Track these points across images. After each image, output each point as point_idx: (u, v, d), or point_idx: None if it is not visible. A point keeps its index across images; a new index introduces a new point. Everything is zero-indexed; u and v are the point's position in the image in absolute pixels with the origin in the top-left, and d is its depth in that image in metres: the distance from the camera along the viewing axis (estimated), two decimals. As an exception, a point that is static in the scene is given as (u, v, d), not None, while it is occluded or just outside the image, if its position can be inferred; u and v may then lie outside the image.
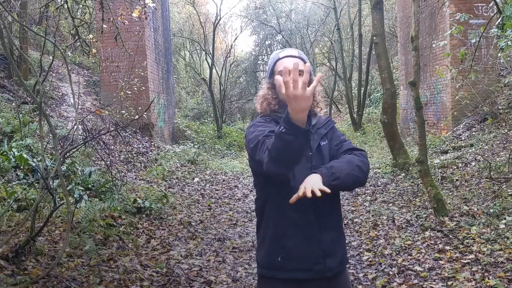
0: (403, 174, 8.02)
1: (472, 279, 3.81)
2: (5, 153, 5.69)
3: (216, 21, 18.76)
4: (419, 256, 4.49)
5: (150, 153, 9.93)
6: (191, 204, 7.24)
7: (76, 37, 9.07)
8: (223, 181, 9.69)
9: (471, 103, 9.11)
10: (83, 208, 4.87)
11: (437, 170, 7.29)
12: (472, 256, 4.25)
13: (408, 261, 4.42)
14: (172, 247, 5.09)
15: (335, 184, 1.76)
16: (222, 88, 19.82)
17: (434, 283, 3.88)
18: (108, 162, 7.13)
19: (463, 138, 8.75)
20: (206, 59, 21.53)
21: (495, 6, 5.96)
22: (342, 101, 22.50)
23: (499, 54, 7.88)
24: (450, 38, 8.95)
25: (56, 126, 7.34)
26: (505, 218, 4.89)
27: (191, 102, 22.54)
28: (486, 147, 7.57)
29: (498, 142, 7.54)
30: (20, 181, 5.35)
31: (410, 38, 6.18)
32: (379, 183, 8.07)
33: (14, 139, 6.42)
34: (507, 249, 4.23)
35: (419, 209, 5.99)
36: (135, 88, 9.90)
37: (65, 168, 5.84)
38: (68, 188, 5.06)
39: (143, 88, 10.44)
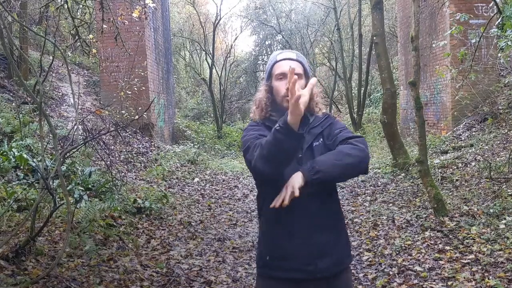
0: (403, 174, 8.03)
1: (472, 279, 3.81)
2: (5, 153, 5.69)
3: (216, 21, 18.76)
4: (419, 256, 4.49)
5: (150, 153, 9.93)
6: (191, 204, 7.24)
7: (76, 37, 9.07)
8: (223, 181, 9.69)
9: (471, 103, 9.11)
10: (83, 208, 4.87)
11: (437, 170, 7.29)
12: (472, 256, 4.25)
13: (408, 261, 4.41)
14: (172, 247, 5.09)
15: (317, 178, 1.72)
16: (222, 88, 19.82)
17: (434, 283, 3.88)
18: (108, 162, 7.13)
19: (463, 138, 8.75)
20: (206, 59, 21.53)
21: (495, 6, 5.95)
22: (342, 101, 22.49)
23: (499, 54, 7.87)
24: (450, 38, 8.95)
25: (56, 126, 7.34)
26: (505, 218, 4.89)
27: (191, 102, 22.54)
28: (486, 147, 7.57)
29: (498, 142, 7.54)
30: (20, 181, 5.35)
31: (410, 38, 6.18)
32: (379, 183, 8.07)
33: (14, 139, 6.42)
34: (507, 249, 4.22)
35: (419, 209, 5.99)
36: (135, 88, 9.90)
37: (65, 168, 5.84)
38: (68, 188, 5.06)
39: (143, 88, 10.44)
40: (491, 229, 4.76)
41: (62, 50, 5.09)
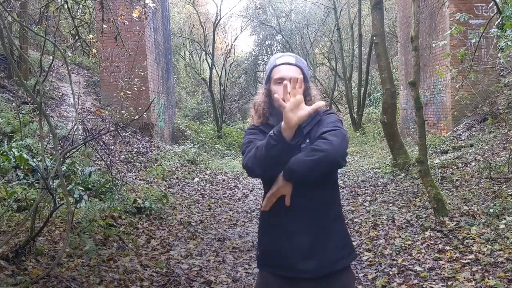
0: (403, 174, 8.03)
1: (472, 279, 3.81)
2: (5, 153, 5.69)
3: (216, 21, 18.76)
4: (419, 256, 4.48)
5: (150, 153, 9.93)
6: (191, 204, 7.24)
7: (76, 37, 9.07)
8: (223, 181, 9.69)
9: (471, 103, 9.11)
10: (83, 208, 4.87)
11: (437, 170, 7.29)
12: (472, 256, 4.25)
13: (408, 261, 4.41)
14: (172, 247, 5.09)
15: (292, 177, 1.78)
16: (222, 88, 19.81)
17: (434, 283, 3.88)
18: (108, 162, 7.13)
19: (463, 138, 8.75)
20: (206, 59, 21.53)
21: (495, 6, 5.96)
22: (342, 101, 22.51)
23: (499, 54, 7.88)
24: (450, 38, 8.95)
25: (56, 126, 7.34)
26: (505, 218, 4.89)
27: (191, 102, 22.54)
28: (486, 147, 7.58)
29: (498, 142, 7.54)
30: (20, 181, 5.35)
31: (410, 38, 6.18)
32: (379, 183, 8.07)
33: (14, 139, 6.42)
34: (507, 249, 4.22)
35: (419, 209, 5.99)
36: (135, 88, 9.90)
37: (65, 168, 5.84)
38: (68, 188, 5.06)
39: (143, 88, 10.44)
40: (491, 229, 4.76)
41: (62, 50, 5.09)
